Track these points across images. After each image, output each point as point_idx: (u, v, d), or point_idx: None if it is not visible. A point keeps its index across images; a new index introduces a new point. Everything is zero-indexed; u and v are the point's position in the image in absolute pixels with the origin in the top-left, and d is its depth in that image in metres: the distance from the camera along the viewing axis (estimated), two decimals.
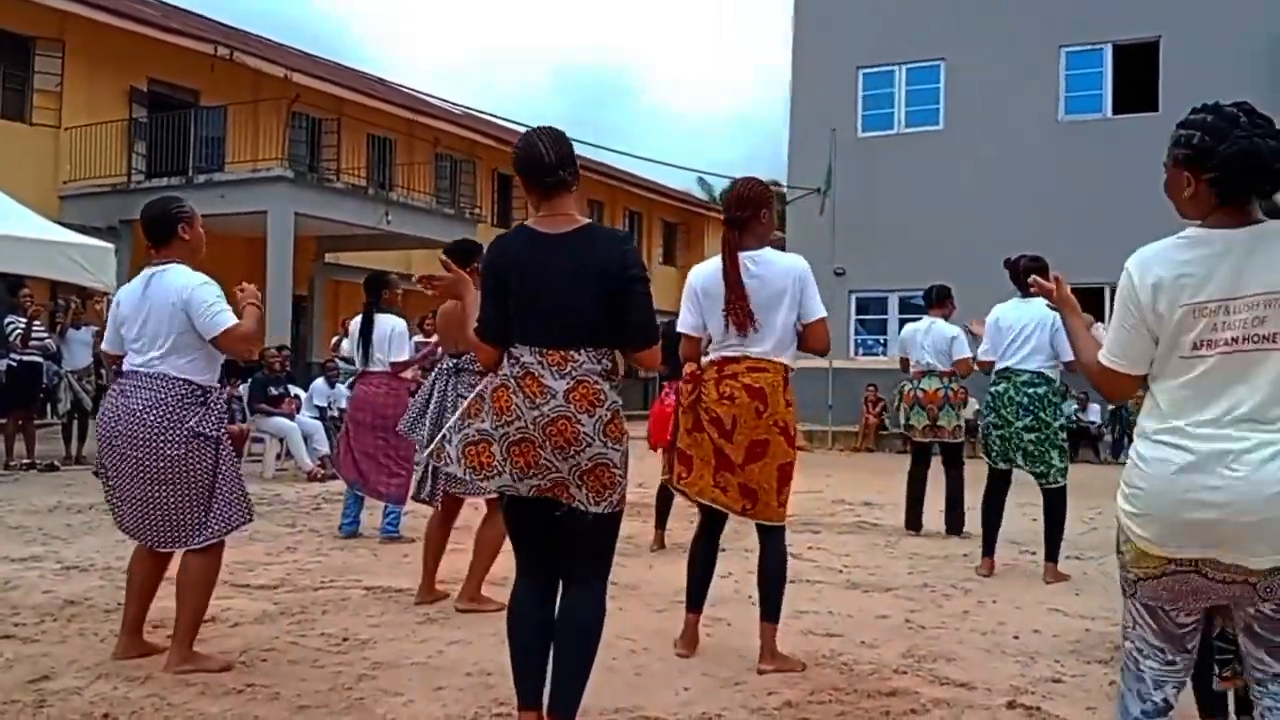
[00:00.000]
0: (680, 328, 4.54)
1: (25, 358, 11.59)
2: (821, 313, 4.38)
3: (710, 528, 4.63)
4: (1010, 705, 3.93)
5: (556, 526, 3.26)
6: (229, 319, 4.09)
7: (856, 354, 20.99)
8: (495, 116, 25.57)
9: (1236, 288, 2.32)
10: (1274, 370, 2.30)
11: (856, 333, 21.10)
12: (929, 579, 6.39)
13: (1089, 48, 19.53)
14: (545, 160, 3.26)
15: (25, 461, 11.48)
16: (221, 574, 5.93)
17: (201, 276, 4.17)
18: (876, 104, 21.20)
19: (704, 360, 4.47)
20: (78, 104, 18.72)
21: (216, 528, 4.13)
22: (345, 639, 4.65)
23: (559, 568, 3.34)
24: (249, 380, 12.34)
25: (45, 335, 11.97)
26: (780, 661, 4.40)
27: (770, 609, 4.43)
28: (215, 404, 4.17)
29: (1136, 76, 19.01)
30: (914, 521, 8.44)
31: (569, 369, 3.17)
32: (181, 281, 4.13)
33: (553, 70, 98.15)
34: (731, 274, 4.32)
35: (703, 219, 37.39)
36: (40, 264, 11.52)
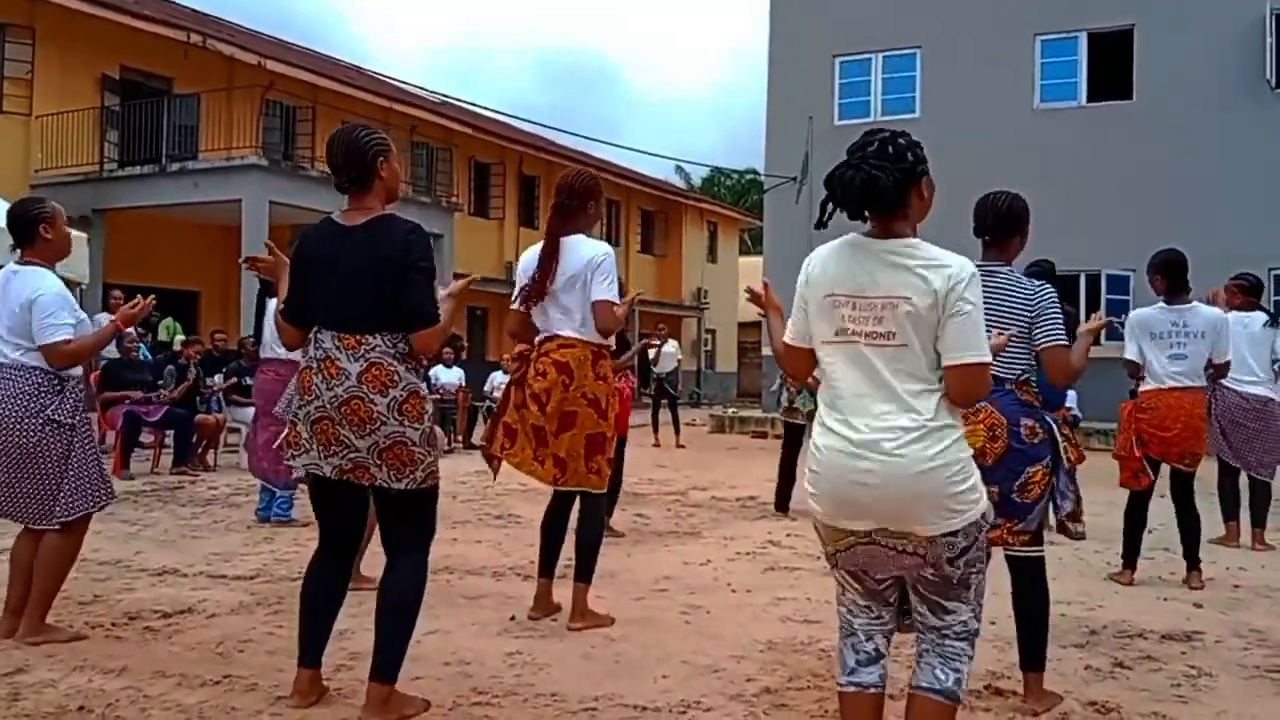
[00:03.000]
0: (513, 304, 4.86)
1: None
2: (600, 295, 4.64)
3: (560, 504, 5.02)
4: (986, 689, 3.96)
5: (358, 506, 3.57)
6: (59, 334, 4.30)
7: None
8: (472, 104, 25.52)
9: (868, 288, 2.65)
10: (891, 362, 2.62)
11: None
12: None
13: (1064, 36, 19.61)
14: (334, 163, 3.56)
15: None
16: (197, 565, 5.95)
17: (52, 283, 4.39)
18: (853, 92, 21.24)
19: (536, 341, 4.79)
20: (49, 91, 18.50)
21: (65, 508, 4.33)
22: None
23: (355, 544, 3.70)
24: (224, 371, 12.27)
25: None
26: (590, 619, 4.75)
27: (583, 571, 4.81)
28: (71, 392, 4.39)
29: (1111, 64, 19.11)
30: (785, 503, 8.73)
31: (363, 351, 3.42)
32: (31, 285, 4.35)
33: (533, 57, 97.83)
34: (547, 256, 4.68)
35: (681, 207, 37.37)
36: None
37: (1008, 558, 3.86)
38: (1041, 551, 3.86)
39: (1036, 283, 3.85)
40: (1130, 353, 6.13)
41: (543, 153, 29.93)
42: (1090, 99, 19.48)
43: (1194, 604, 5.52)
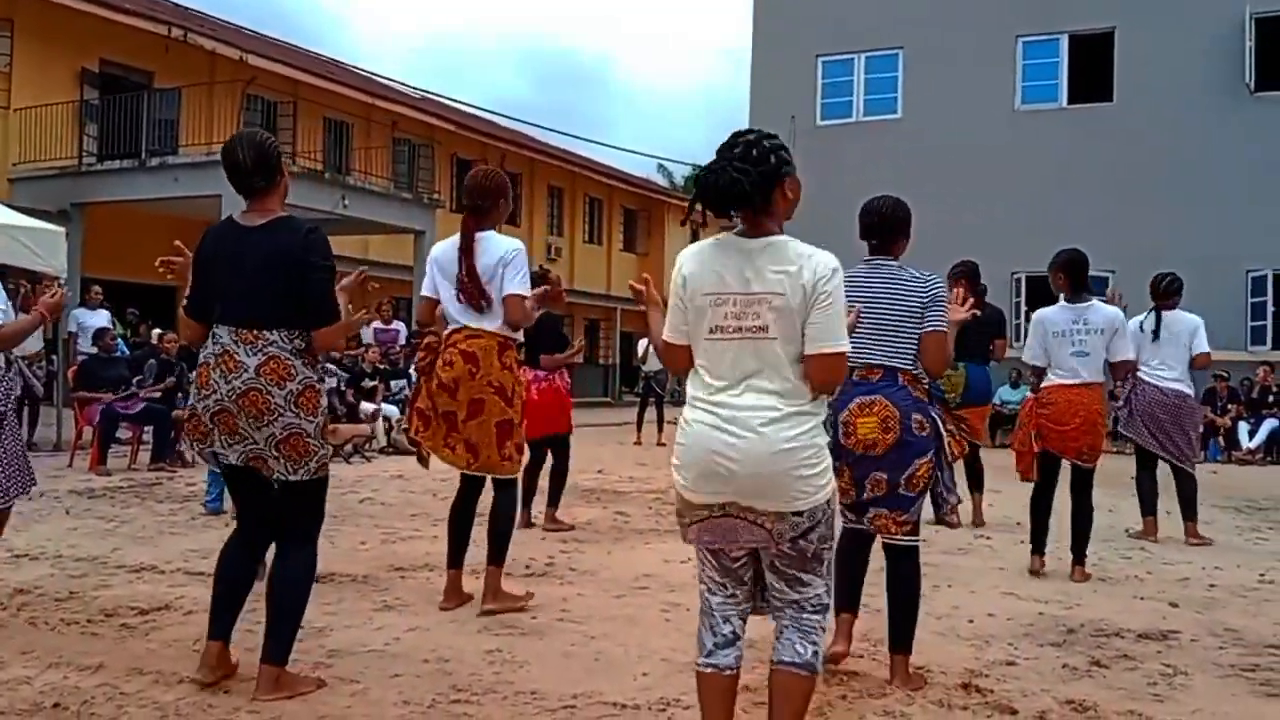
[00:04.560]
0: (423, 291, 5.08)
1: None
2: (513, 289, 4.84)
3: (467, 494, 5.13)
4: (964, 687, 3.97)
5: (265, 492, 3.70)
6: None
7: None
8: (454, 100, 25.44)
9: (745, 285, 2.81)
10: (766, 354, 2.79)
11: None
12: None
13: (1045, 38, 19.71)
14: (242, 167, 3.66)
15: None
16: (174, 561, 5.91)
17: None
18: (835, 92, 21.29)
19: (444, 333, 4.97)
20: (28, 85, 18.37)
21: (2, 494, 4.42)
22: (300, 626, 4.60)
23: (269, 528, 3.79)
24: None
25: None
26: (504, 600, 4.93)
27: (495, 554, 4.95)
28: (1, 381, 4.46)
29: (1092, 66, 19.21)
30: None
31: (261, 346, 3.58)
32: None
33: (517, 53, 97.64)
34: (468, 260, 4.83)
35: (663, 205, 37.36)
36: None
37: (886, 546, 4.10)
38: (919, 541, 4.10)
39: (925, 273, 4.07)
40: (1032, 354, 6.33)
41: (525, 150, 29.88)
42: (1071, 100, 19.57)
43: (1170, 603, 5.56)
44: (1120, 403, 7.69)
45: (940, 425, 3.99)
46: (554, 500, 7.57)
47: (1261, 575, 6.39)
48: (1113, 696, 3.95)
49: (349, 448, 11.98)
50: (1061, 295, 6.25)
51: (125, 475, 10.06)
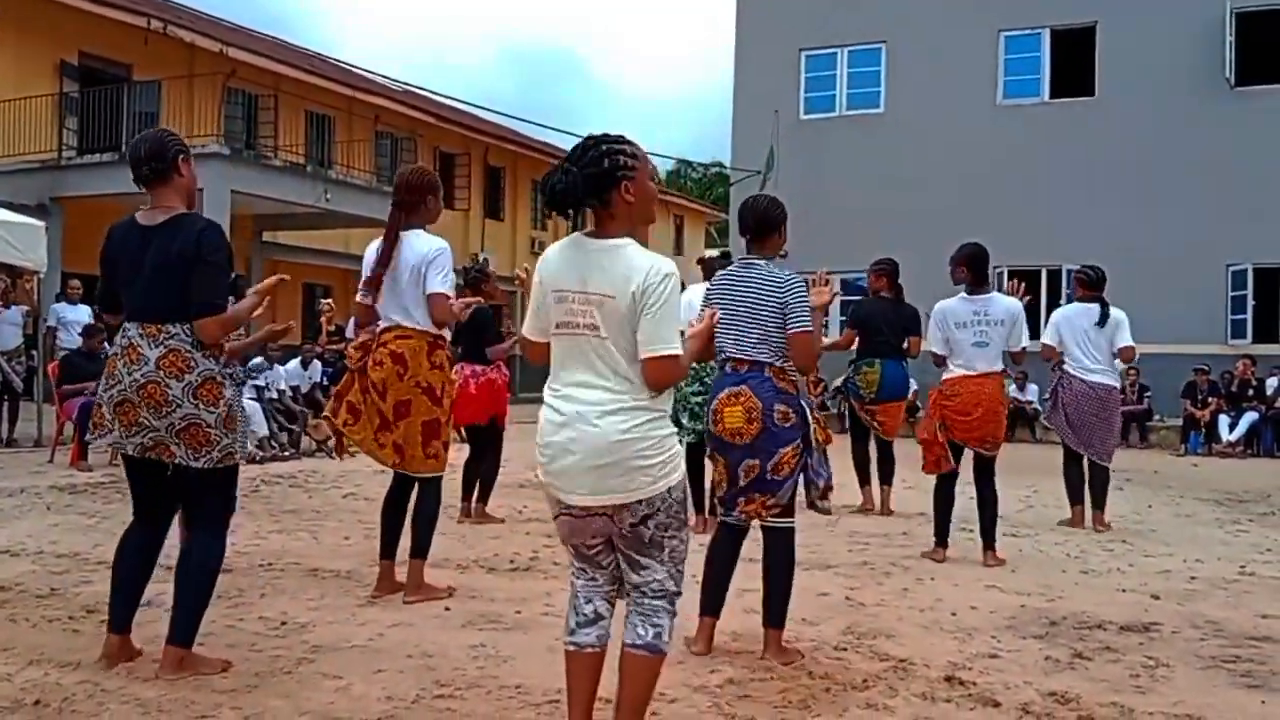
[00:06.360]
0: (360, 298, 5.12)
1: None
2: (435, 288, 4.89)
3: (399, 489, 5.22)
4: (947, 679, 3.98)
5: (169, 480, 3.79)
6: None
7: None
8: (436, 94, 25.34)
9: (582, 284, 2.95)
10: (600, 351, 2.92)
11: None
12: (868, 556, 6.46)
13: (1027, 32, 19.77)
14: (138, 155, 3.84)
15: None
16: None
17: None
18: (819, 86, 21.30)
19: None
20: (6, 77, 18.21)
21: None
22: (284, 622, 4.59)
23: (167, 518, 3.96)
24: None
25: None
26: (426, 592, 5.03)
27: (418, 546, 5.08)
28: None
29: (1074, 61, 19.28)
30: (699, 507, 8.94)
31: (163, 339, 3.71)
32: None
33: (501, 47, 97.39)
34: (386, 251, 4.91)
35: None
36: None
37: (762, 528, 4.32)
38: (792, 524, 4.31)
39: (788, 274, 4.26)
40: (935, 344, 6.52)
41: (508, 143, 29.78)
42: (1053, 95, 19.65)
43: (1151, 595, 5.59)
44: (1045, 395, 7.93)
45: (808, 414, 4.18)
46: (483, 495, 7.61)
47: (1242, 567, 6.43)
48: (1095, 688, 3.97)
49: (330, 442, 11.93)
50: (964, 287, 6.45)
51: (106, 471, 9.99)
